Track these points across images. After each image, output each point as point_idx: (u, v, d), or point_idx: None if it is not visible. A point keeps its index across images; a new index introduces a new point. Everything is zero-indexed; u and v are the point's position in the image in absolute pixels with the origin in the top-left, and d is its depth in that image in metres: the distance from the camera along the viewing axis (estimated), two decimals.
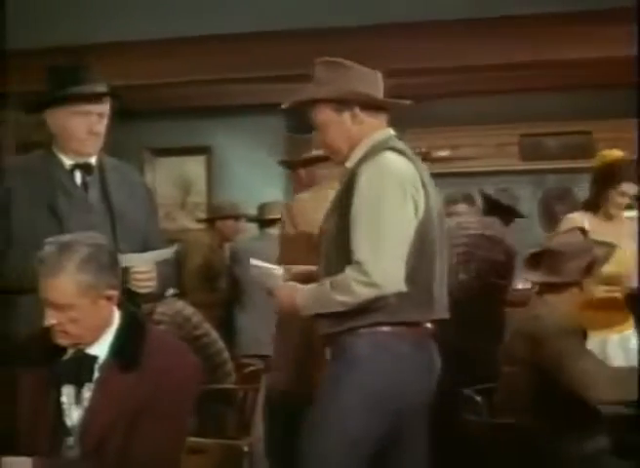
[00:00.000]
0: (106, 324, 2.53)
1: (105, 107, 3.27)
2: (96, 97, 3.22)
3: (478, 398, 3.74)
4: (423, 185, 2.99)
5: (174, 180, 8.42)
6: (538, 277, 3.78)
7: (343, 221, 2.97)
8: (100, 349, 2.52)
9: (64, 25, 6.93)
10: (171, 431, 2.46)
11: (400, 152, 3.02)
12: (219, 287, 6.54)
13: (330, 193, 3.24)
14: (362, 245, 2.89)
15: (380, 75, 3.15)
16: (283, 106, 3.21)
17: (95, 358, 2.51)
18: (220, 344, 4.87)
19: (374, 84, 3.13)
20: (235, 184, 7.91)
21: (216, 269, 6.54)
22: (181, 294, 4.92)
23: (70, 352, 2.53)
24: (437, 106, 8.13)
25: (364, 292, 2.87)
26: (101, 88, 3.25)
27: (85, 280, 2.42)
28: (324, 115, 3.10)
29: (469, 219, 5.59)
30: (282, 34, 6.59)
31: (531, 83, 7.42)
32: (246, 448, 2.73)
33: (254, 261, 3.21)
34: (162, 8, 6.76)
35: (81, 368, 2.50)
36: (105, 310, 2.51)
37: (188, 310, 4.79)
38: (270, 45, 6.62)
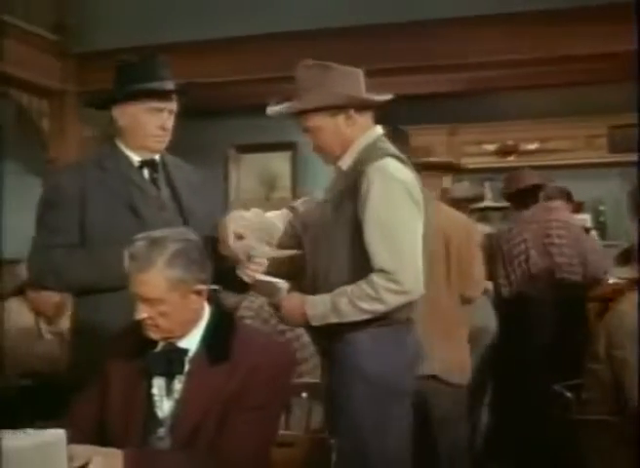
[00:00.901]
0: (197, 318, 2.56)
1: (175, 105, 3.27)
2: (168, 95, 3.23)
3: (569, 394, 3.70)
4: (423, 193, 3.10)
5: (258, 176, 8.48)
6: (624, 273, 3.72)
7: (343, 222, 3.04)
8: (191, 342, 2.54)
9: (146, 26, 7.05)
10: (262, 425, 2.48)
11: (399, 159, 3.07)
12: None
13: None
14: (384, 253, 2.96)
15: (361, 73, 3.17)
16: (270, 114, 3.20)
17: (185, 351, 2.54)
18: (305, 339, 4.87)
19: (360, 83, 3.16)
20: (320, 179, 7.91)
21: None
22: None
23: (161, 345, 2.56)
24: (526, 98, 8.04)
25: (395, 300, 2.97)
26: (172, 85, 3.24)
27: (174, 275, 2.45)
28: (318, 120, 3.11)
29: (566, 215, 5.55)
30: (358, 29, 6.60)
31: (620, 73, 7.28)
32: (333, 442, 2.73)
33: (259, 276, 3.19)
34: (241, 6, 6.83)
35: (172, 360, 2.52)
36: (195, 304, 2.53)
37: None
38: (351, 39, 6.63)
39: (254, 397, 2.45)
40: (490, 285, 5.46)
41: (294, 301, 3.11)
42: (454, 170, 5.67)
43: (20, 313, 4.85)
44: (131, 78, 3.21)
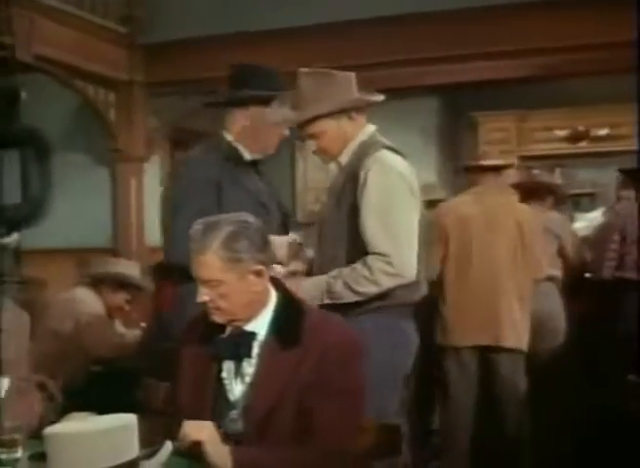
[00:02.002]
0: (261, 300, 2.56)
1: None
2: None
3: None
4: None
5: (324, 166, 8.42)
6: None
7: (344, 212, 3.19)
8: (259, 326, 2.55)
9: (211, 17, 7.07)
10: (346, 407, 2.48)
11: (394, 151, 3.25)
12: None
13: None
14: (381, 238, 3.10)
15: (354, 76, 3.33)
16: (272, 121, 3.40)
17: (253, 334, 2.54)
18: None
19: (354, 85, 3.32)
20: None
21: None
22: None
23: (229, 329, 2.57)
24: (597, 83, 7.89)
25: (388, 282, 3.11)
26: None
27: (229, 256, 2.46)
28: (323, 125, 3.27)
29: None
30: (429, 16, 6.54)
31: None
32: (404, 429, 2.70)
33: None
34: None
35: (240, 344, 2.54)
36: (256, 286, 2.53)
37: None
38: (419, 27, 6.58)
39: (333, 379, 2.45)
40: (557, 272, 5.44)
41: (288, 285, 3.12)
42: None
43: (89, 301, 4.88)
44: (262, 83, 3.49)
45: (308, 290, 3.16)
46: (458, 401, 4.87)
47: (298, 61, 6.88)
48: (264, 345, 2.53)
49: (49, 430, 2.07)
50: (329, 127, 3.27)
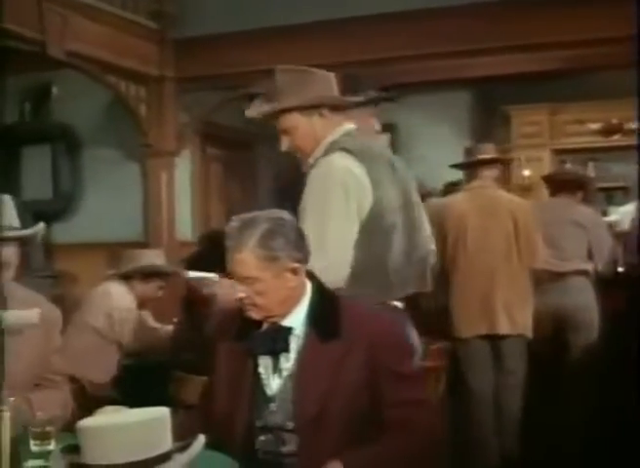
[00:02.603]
0: (297, 296, 2.56)
1: None
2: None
3: None
4: (375, 182, 3.14)
5: None
6: None
7: (299, 211, 3.12)
8: (295, 320, 2.55)
9: (241, 12, 7.07)
10: (415, 388, 2.53)
11: (350, 152, 3.16)
12: None
13: None
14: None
15: (334, 76, 3.31)
16: (249, 115, 3.33)
17: (289, 329, 2.55)
18: None
19: (333, 85, 3.31)
20: (419, 161, 7.83)
21: None
22: None
23: (265, 324, 2.57)
24: (630, 76, 7.80)
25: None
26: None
27: (265, 254, 2.46)
28: (294, 120, 3.24)
29: None
30: (462, 9, 6.49)
31: None
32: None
33: (190, 273, 3.42)
34: None
35: (276, 339, 2.54)
36: (292, 283, 2.53)
37: None
38: (452, 20, 6.53)
39: (395, 367, 2.49)
40: (589, 266, 5.41)
41: (227, 287, 3.08)
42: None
43: (120, 295, 4.89)
44: (363, 86, 3.64)
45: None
46: (473, 391, 4.96)
47: (329, 55, 6.93)
48: (303, 340, 2.53)
49: (82, 423, 2.06)
50: (299, 123, 3.24)
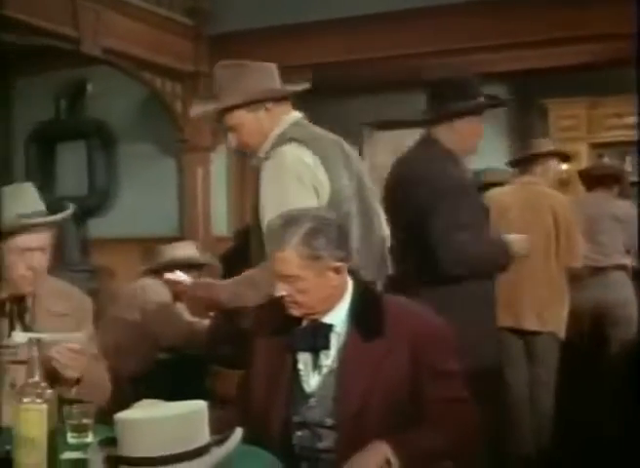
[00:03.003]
0: (339, 294, 2.55)
1: None
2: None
3: None
4: (328, 170, 3.10)
5: (393, 153, 8.35)
6: None
7: (255, 214, 3.12)
8: (336, 318, 2.54)
9: (276, 7, 7.06)
10: (458, 386, 2.52)
11: (301, 142, 3.12)
12: None
13: None
14: None
15: (275, 67, 3.27)
16: (192, 115, 3.41)
17: (330, 326, 2.54)
18: None
19: (274, 76, 3.26)
20: None
21: None
22: None
23: (306, 321, 2.56)
24: None
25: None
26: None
27: (308, 253, 2.45)
28: (239, 117, 3.20)
29: None
30: (496, 3, 6.46)
31: None
32: None
33: (167, 275, 3.42)
34: None
35: (316, 336, 2.53)
36: (335, 281, 2.52)
37: None
38: (485, 14, 6.50)
39: (438, 365, 2.48)
40: (627, 260, 5.40)
41: (202, 287, 3.21)
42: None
43: (155, 290, 4.89)
44: (469, 94, 3.65)
45: (227, 291, 3.15)
46: (510, 387, 4.92)
47: (361, 50, 6.91)
48: (345, 337, 2.52)
49: (120, 415, 2.06)
50: (245, 119, 3.20)
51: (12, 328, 2.83)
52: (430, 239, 3.38)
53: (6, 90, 8.62)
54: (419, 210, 3.44)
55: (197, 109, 3.38)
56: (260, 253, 3.05)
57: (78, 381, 2.74)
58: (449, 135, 3.63)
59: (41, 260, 2.82)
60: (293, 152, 3.10)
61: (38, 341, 2.24)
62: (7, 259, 2.78)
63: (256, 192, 3.18)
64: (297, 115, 3.28)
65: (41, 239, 2.82)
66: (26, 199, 2.83)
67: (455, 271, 3.38)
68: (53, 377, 2.60)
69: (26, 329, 2.81)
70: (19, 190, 2.86)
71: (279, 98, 3.24)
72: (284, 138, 3.15)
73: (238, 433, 2.13)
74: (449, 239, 3.35)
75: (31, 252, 2.79)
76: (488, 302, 3.66)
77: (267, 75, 3.25)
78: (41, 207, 2.84)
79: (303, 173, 3.08)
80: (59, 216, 2.86)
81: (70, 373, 2.69)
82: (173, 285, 3.40)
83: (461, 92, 3.63)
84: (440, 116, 3.63)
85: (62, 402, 2.46)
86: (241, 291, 3.08)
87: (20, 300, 2.86)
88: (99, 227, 8.11)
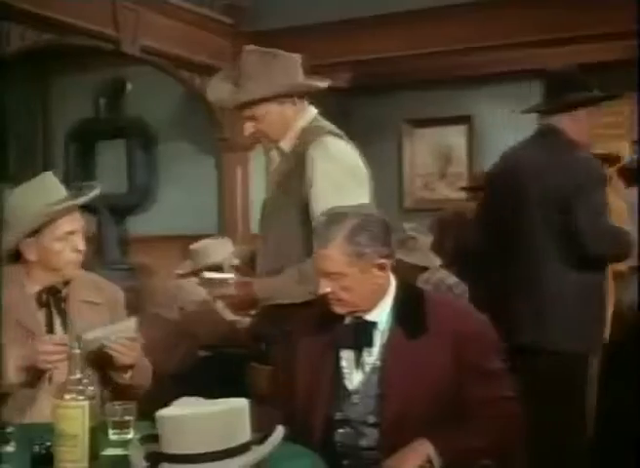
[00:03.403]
0: (383, 291, 2.55)
1: None
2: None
3: None
4: (365, 163, 3.12)
5: (433, 151, 8.34)
6: None
7: (292, 203, 3.05)
8: (379, 315, 2.54)
9: (315, 4, 7.05)
10: (502, 385, 2.53)
11: (338, 136, 3.11)
12: None
13: None
14: None
15: (300, 58, 3.20)
16: (212, 100, 3.37)
17: (374, 324, 2.54)
18: None
19: (299, 69, 3.19)
20: (497, 153, 7.73)
21: None
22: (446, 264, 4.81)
23: (349, 318, 2.56)
24: None
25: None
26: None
27: (353, 250, 2.45)
28: (264, 108, 3.14)
29: None
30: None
31: None
32: None
33: (207, 274, 3.45)
34: None
35: (360, 333, 2.53)
36: (379, 279, 2.52)
37: (451, 279, 4.69)
38: (524, 10, 6.45)
39: (481, 362, 2.48)
40: None
41: (241, 285, 3.17)
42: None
43: (194, 288, 4.90)
44: (587, 85, 3.75)
45: (264, 288, 3.11)
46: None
47: (402, 46, 6.87)
48: (389, 335, 2.52)
49: (161, 412, 2.06)
50: (271, 110, 3.15)
51: (50, 318, 2.87)
52: (579, 221, 3.50)
53: (46, 89, 8.68)
54: (562, 194, 3.55)
55: (217, 93, 3.29)
56: (301, 248, 3.01)
57: (132, 366, 2.81)
58: (571, 124, 3.67)
59: (83, 243, 2.90)
60: (340, 145, 3.10)
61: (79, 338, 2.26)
62: (53, 248, 2.84)
63: (290, 185, 3.12)
64: (313, 109, 3.25)
65: (79, 221, 2.90)
66: (51, 187, 2.89)
67: (599, 251, 3.55)
68: (107, 364, 2.75)
69: (64, 319, 2.87)
70: (41, 182, 2.91)
71: (305, 93, 3.22)
72: (319, 131, 3.12)
73: (280, 431, 2.12)
74: (598, 220, 3.51)
75: (73, 235, 2.86)
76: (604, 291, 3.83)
77: (296, 67, 3.20)
78: (65, 193, 2.90)
79: (356, 166, 3.10)
80: (91, 195, 2.91)
81: (128, 360, 2.77)
82: (213, 285, 3.39)
83: (582, 83, 3.68)
84: (564, 104, 3.67)
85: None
86: (283, 287, 3.05)
87: (55, 291, 2.91)
88: (138, 225, 8.14)
